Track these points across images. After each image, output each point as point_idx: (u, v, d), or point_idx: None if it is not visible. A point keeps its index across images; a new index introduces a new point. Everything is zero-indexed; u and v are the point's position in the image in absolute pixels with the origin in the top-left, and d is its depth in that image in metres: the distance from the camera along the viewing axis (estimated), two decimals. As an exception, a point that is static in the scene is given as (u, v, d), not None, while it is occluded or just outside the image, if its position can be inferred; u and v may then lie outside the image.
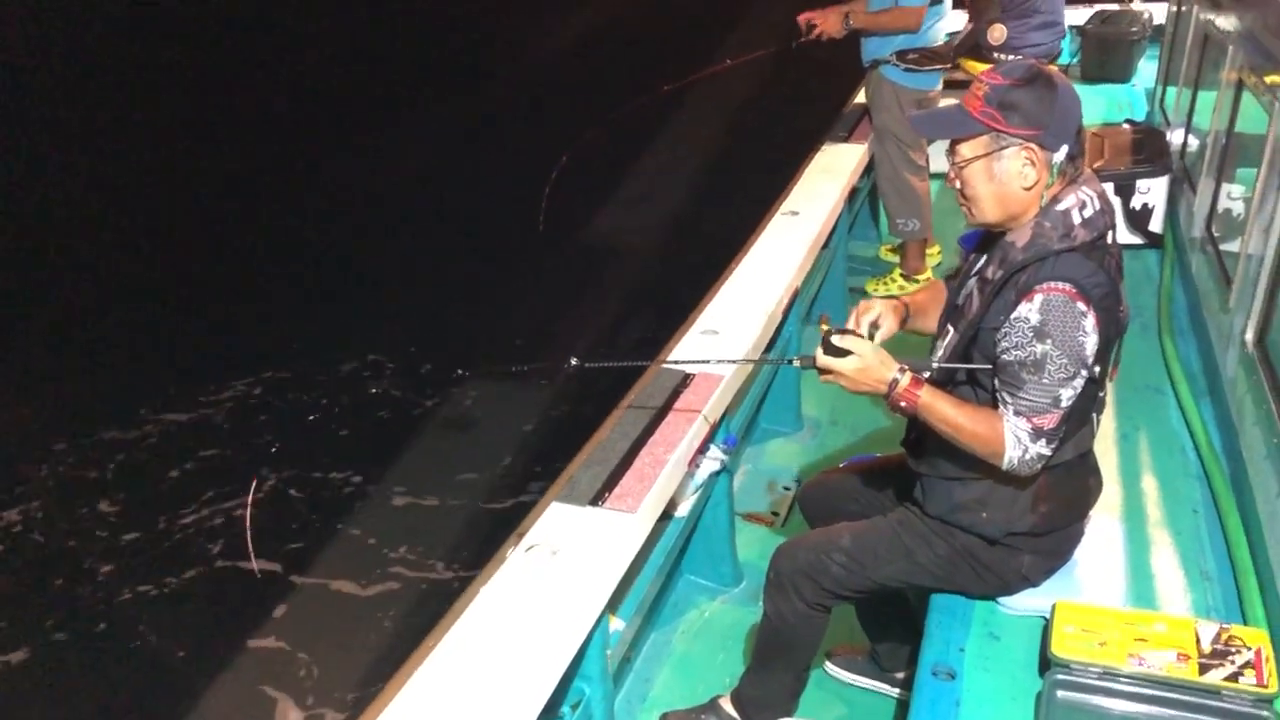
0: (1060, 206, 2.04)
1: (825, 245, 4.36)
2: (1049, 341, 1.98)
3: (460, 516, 4.90)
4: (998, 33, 6.39)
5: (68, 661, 4.17)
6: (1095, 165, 4.43)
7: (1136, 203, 4.33)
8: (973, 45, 6.34)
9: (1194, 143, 4.34)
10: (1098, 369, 2.04)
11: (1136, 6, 6.90)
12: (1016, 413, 2.04)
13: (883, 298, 2.38)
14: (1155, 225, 4.35)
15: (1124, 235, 4.40)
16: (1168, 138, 4.67)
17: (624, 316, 6.72)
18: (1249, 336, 2.87)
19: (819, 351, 2.16)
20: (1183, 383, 3.30)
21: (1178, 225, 4.29)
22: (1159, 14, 6.57)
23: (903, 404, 2.12)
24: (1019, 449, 2.05)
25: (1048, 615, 2.23)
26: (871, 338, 2.27)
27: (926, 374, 2.16)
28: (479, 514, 4.91)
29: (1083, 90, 6.92)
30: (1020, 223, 2.08)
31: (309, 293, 7.37)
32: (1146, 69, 6.50)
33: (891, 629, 2.75)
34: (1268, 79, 3.06)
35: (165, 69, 13.05)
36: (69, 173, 9.88)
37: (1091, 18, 6.73)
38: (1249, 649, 2.00)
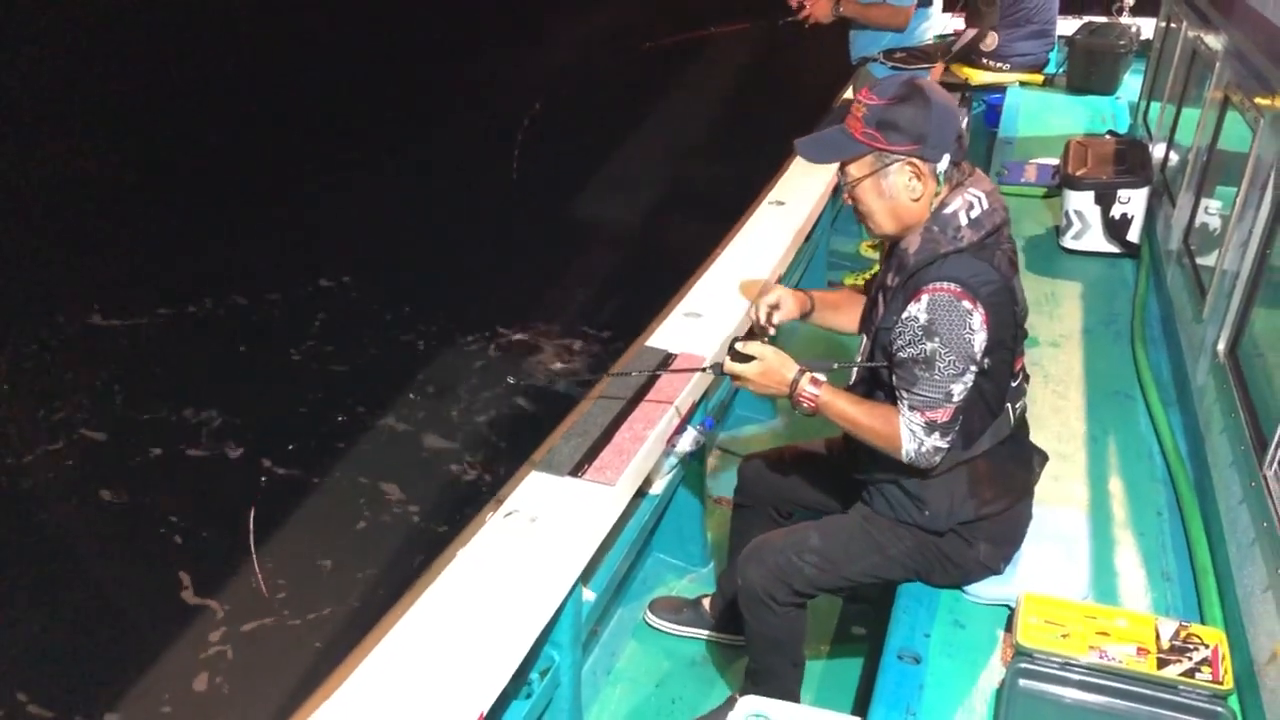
0: (948, 210, 2.12)
1: (808, 238, 4.39)
2: (937, 339, 2.06)
3: (440, 480, 4.90)
4: (989, 39, 6.48)
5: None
6: (1078, 174, 4.49)
7: (1116, 212, 4.38)
8: (966, 51, 6.41)
9: (1175, 157, 4.41)
10: (987, 363, 2.11)
11: (1125, 20, 6.98)
12: (911, 407, 2.12)
13: (790, 290, 2.53)
14: (1133, 235, 4.41)
15: (1102, 244, 4.46)
16: (1150, 150, 4.74)
17: (609, 295, 6.71)
18: (1220, 347, 2.93)
19: (726, 359, 2.29)
20: (1152, 390, 3.36)
21: (1155, 236, 4.36)
22: (1147, 28, 6.65)
23: (804, 403, 2.22)
24: (914, 442, 2.13)
25: (1011, 604, 2.29)
26: (770, 318, 2.46)
27: (835, 373, 2.28)
28: (459, 477, 4.91)
29: (1068, 100, 7.05)
30: (913, 230, 2.16)
31: (296, 264, 7.31)
32: (1132, 82, 6.58)
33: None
34: (1254, 98, 3.12)
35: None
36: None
37: (1080, 29, 6.80)
38: (1206, 646, 2.07)
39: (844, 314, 2.58)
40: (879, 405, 2.22)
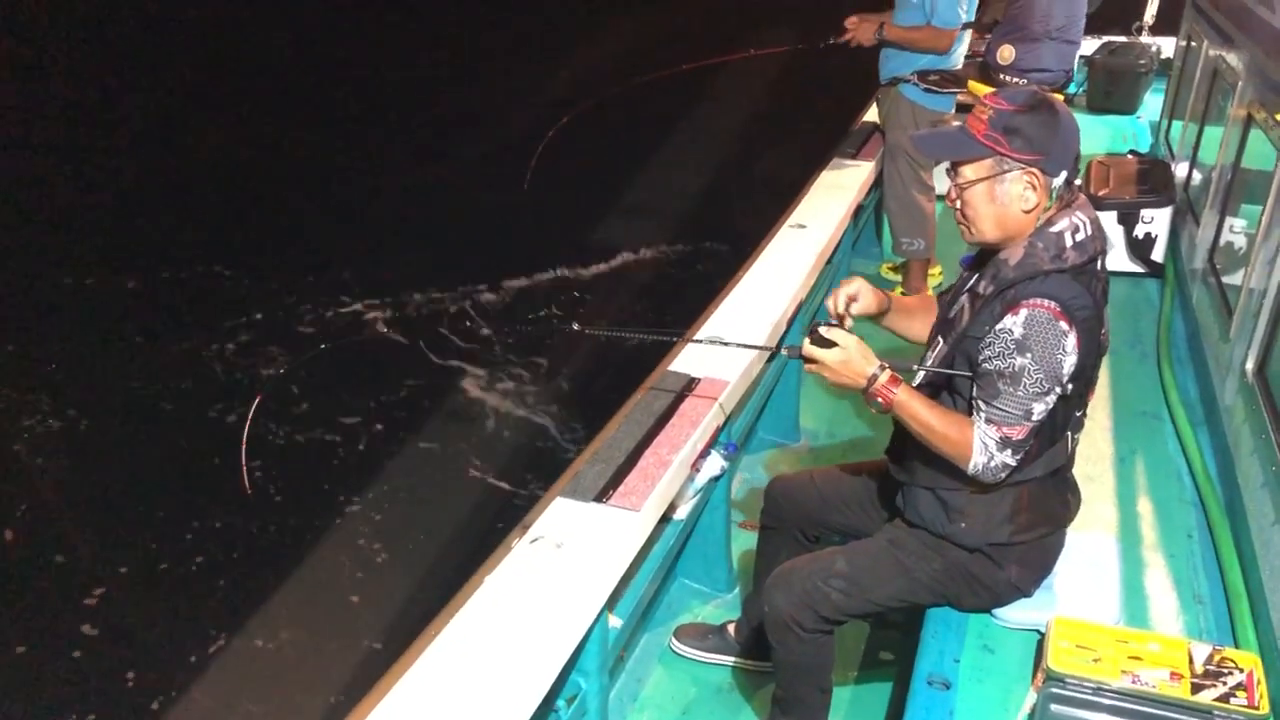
0: (1054, 229, 2.11)
1: (829, 260, 4.39)
2: (1029, 355, 2.04)
3: (466, 506, 4.91)
4: (1006, 53, 6.43)
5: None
6: (1100, 194, 4.48)
7: (1140, 232, 4.37)
8: (981, 66, 6.38)
9: (1198, 175, 4.39)
10: (1070, 388, 2.09)
11: (1145, 39, 6.97)
12: (988, 420, 2.10)
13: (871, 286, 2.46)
14: (1157, 255, 4.39)
15: (1126, 264, 4.44)
16: (1172, 169, 4.72)
17: (632, 319, 6.73)
18: (1249, 366, 2.91)
19: (806, 341, 2.24)
20: (1180, 410, 3.34)
21: (1179, 256, 4.33)
22: (1167, 47, 6.64)
23: (879, 399, 2.18)
24: (985, 455, 2.11)
25: (1041, 629, 2.27)
26: (847, 310, 2.38)
27: (915, 375, 2.24)
28: (484, 504, 4.92)
29: (1088, 120, 7.03)
30: (1015, 242, 2.14)
31: (316, 284, 7.37)
32: (1152, 101, 6.57)
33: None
34: (1278, 115, 3.10)
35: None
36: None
37: (1099, 49, 6.80)
38: (1241, 671, 2.03)
39: (918, 321, 2.54)
40: (952, 412, 2.19)
